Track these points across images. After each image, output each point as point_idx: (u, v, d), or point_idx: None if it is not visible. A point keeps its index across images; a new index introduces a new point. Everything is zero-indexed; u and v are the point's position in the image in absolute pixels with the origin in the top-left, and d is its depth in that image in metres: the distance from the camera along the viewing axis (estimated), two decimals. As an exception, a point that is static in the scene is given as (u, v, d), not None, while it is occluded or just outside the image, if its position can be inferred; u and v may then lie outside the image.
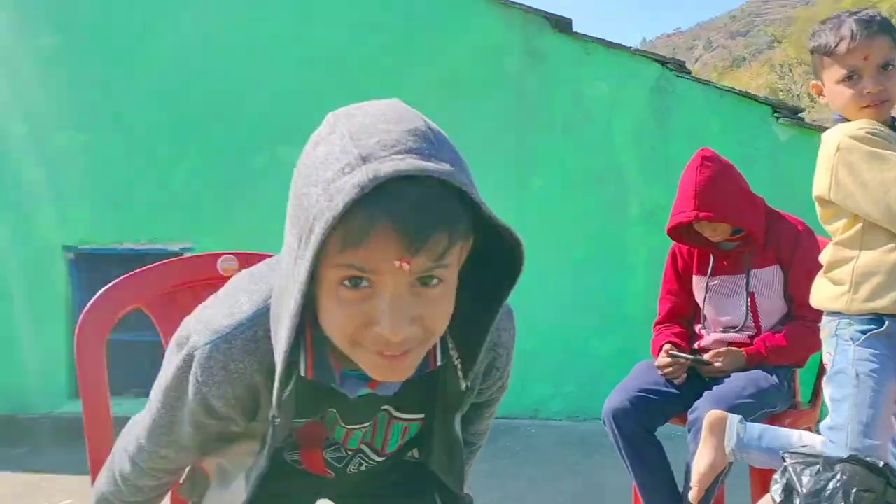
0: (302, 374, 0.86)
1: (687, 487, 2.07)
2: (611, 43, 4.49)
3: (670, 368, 2.24)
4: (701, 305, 2.39)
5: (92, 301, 1.53)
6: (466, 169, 0.78)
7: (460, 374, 0.94)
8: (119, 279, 1.58)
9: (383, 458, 1.09)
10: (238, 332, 0.87)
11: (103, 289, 1.56)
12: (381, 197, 0.69)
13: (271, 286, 0.89)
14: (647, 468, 2.21)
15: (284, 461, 1.07)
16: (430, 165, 0.71)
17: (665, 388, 2.23)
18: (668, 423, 2.28)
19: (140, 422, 1.01)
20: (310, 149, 0.78)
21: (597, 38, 4.50)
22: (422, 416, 1.03)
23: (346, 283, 0.74)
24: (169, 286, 1.62)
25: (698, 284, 2.40)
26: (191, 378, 0.89)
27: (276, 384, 0.83)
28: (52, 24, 4.74)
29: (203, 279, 1.62)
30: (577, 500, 3.07)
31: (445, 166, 0.72)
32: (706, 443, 1.86)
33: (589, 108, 4.43)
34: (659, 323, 2.50)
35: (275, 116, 4.56)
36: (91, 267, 4.89)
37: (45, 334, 4.83)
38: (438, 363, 0.92)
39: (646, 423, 2.20)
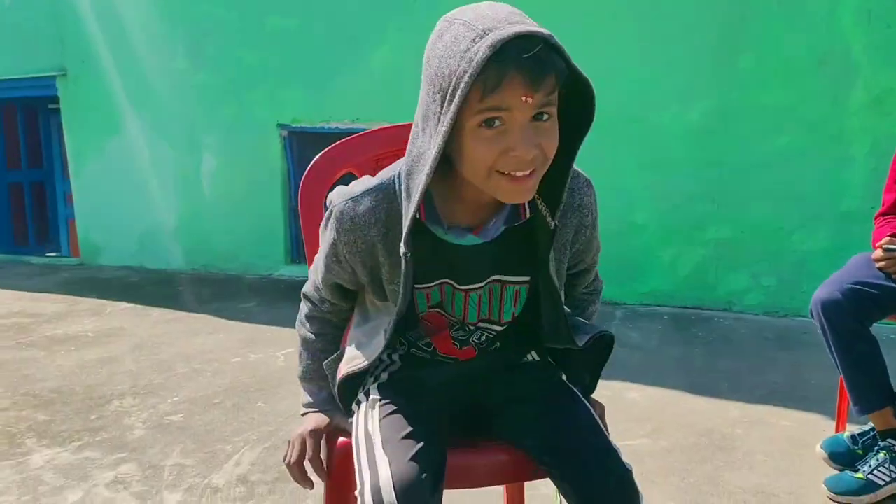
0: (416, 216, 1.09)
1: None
2: None
3: (884, 262, 2.07)
4: (936, 197, 2.16)
5: (313, 162, 1.66)
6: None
7: (548, 215, 1.13)
8: (335, 144, 1.70)
9: (502, 328, 1.29)
10: (364, 195, 1.15)
11: (322, 151, 1.69)
12: (507, 53, 0.93)
13: (394, 172, 1.16)
14: (858, 364, 2.10)
15: (417, 352, 1.32)
16: (536, 29, 0.95)
17: (884, 282, 2.07)
18: (880, 324, 2.13)
19: (316, 258, 1.33)
20: (435, 39, 1.02)
21: None
22: (527, 278, 1.23)
23: (484, 124, 0.98)
24: (376, 152, 1.73)
25: None
26: (328, 228, 1.19)
27: (409, 215, 1.07)
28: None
29: (405, 146, 1.72)
30: (776, 395, 2.97)
31: (545, 31, 0.96)
32: None
33: (813, -21, 3.96)
34: (882, 214, 2.29)
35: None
36: (301, 144, 5.28)
37: (265, 204, 5.34)
38: (528, 215, 1.15)
39: (860, 317, 2.06)
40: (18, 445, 2.59)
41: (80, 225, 6.10)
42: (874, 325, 2.12)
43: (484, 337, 1.29)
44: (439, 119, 0.99)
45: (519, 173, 1.00)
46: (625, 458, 1.18)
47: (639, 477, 1.17)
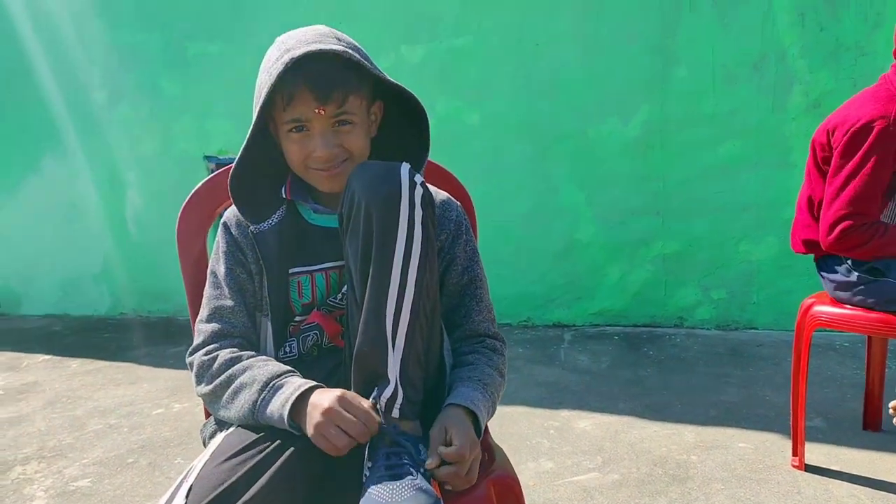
0: (284, 196, 1.29)
1: None
2: None
3: None
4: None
5: (190, 195, 1.47)
6: (365, 55, 1.19)
7: None
8: (216, 172, 1.51)
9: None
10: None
11: (201, 182, 1.50)
12: (301, 71, 1.10)
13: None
14: None
15: (312, 352, 1.30)
16: (329, 47, 1.11)
17: None
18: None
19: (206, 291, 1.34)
20: (263, 59, 1.21)
21: None
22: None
23: (293, 131, 1.18)
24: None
25: None
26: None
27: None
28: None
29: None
30: (731, 415, 2.82)
31: (342, 48, 1.13)
32: None
33: (745, -15, 3.90)
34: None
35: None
36: (231, 176, 5.03)
37: (193, 242, 5.06)
38: None
39: None
40: None
41: (-1, 273, 5.73)
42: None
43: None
44: (253, 119, 1.18)
45: (324, 169, 1.19)
46: None
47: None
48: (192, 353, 1.25)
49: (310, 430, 1.04)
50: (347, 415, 1.02)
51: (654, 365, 3.52)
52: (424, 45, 4.34)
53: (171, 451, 2.78)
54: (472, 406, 1.13)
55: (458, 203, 1.35)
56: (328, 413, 1.02)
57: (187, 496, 0.98)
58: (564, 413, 2.91)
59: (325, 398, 1.05)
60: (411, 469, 1.02)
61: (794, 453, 2.32)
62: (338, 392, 1.05)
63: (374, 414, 1.05)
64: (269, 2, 4.62)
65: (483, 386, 1.19)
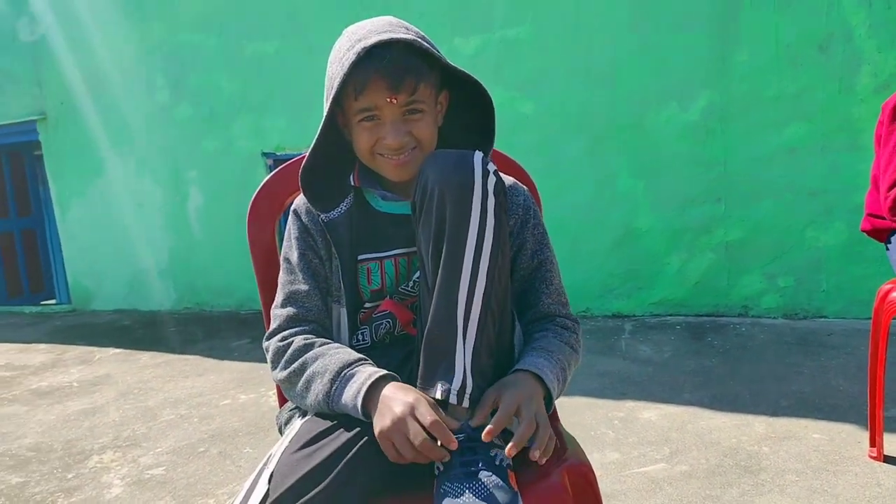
0: (352, 184, 1.28)
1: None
2: None
3: None
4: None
5: (260, 187, 1.50)
6: (433, 44, 1.19)
7: None
8: (285, 164, 1.53)
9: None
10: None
11: (271, 173, 1.52)
12: (373, 60, 1.10)
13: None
14: None
15: (384, 340, 1.29)
16: (400, 36, 1.12)
17: None
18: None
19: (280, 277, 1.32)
20: (332, 51, 1.21)
21: None
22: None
23: (364, 120, 1.17)
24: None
25: None
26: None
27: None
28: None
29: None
30: (804, 405, 2.74)
31: (412, 37, 1.14)
32: None
33: (809, -37, 3.77)
34: None
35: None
36: (289, 172, 5.12)
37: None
38: None
39: None
40: (-14, 514, 2.39)
41: (70, 270, 5.95)
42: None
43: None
44: (324, 110, 1.19)
45: (393, 157, 1.18)
46: None
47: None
48: (268, 339, 1.26)
49: (377, 430, 1.02)
50: (419, 427, 1.00)
51: (718, 355, 3.45)
52: (478, 37, 4.32)
53: (240, 440, 2.84)
54: (536, 369, 1.11)
55: (525, 188, 1.33)
56: (398, 423, 1.01)
57: (269, 482, 1.00)
58: (629, 404, 2.88)
59: (398, 402, 1.03)
60: (486, 466, 1.02)
61: (872, 444, 2.25)
62: (412, 398, 1.03)
63: (451, 435, 1.01)
64: (324, 1, 4.67)
65: (548, 353, 1.16)
